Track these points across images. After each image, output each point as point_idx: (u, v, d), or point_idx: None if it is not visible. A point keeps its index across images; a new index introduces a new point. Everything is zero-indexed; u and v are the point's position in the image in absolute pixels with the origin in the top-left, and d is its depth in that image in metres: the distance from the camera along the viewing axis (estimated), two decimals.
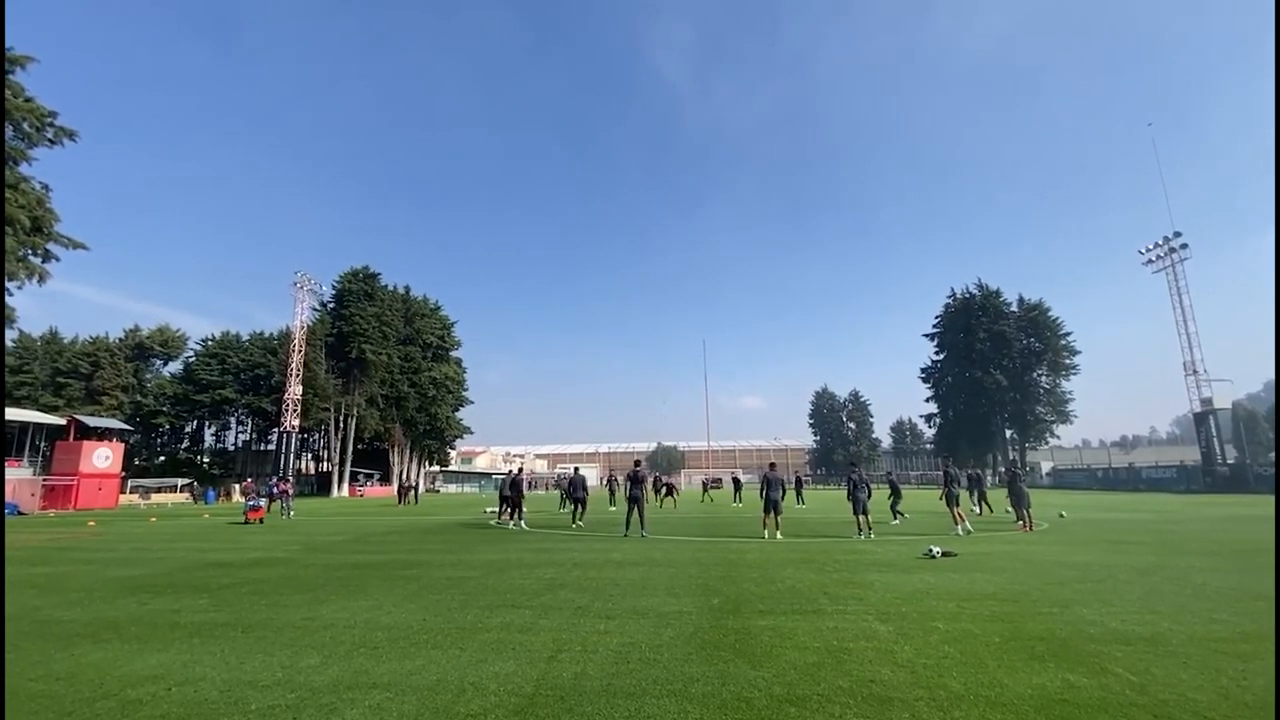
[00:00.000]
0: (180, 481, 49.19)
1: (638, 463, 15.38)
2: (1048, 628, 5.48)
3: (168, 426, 60.95)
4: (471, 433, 76.31)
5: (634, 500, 14.19)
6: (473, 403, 75.13)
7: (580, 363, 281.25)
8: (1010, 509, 16.25)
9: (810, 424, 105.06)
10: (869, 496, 14.05)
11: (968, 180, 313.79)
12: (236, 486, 43.95)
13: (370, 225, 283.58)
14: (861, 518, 13.68)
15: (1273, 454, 72.94)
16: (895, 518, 16.72)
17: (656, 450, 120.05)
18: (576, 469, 17.94)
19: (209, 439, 65.97)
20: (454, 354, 73.12)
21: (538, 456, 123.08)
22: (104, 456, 35.59)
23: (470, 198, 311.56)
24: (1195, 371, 47.74)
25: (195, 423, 62.84)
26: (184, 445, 64.22)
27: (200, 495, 45.36)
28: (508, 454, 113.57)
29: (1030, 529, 14.50)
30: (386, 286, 65.53)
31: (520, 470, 18.86)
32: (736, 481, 34.07)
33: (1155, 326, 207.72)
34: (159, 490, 45.66)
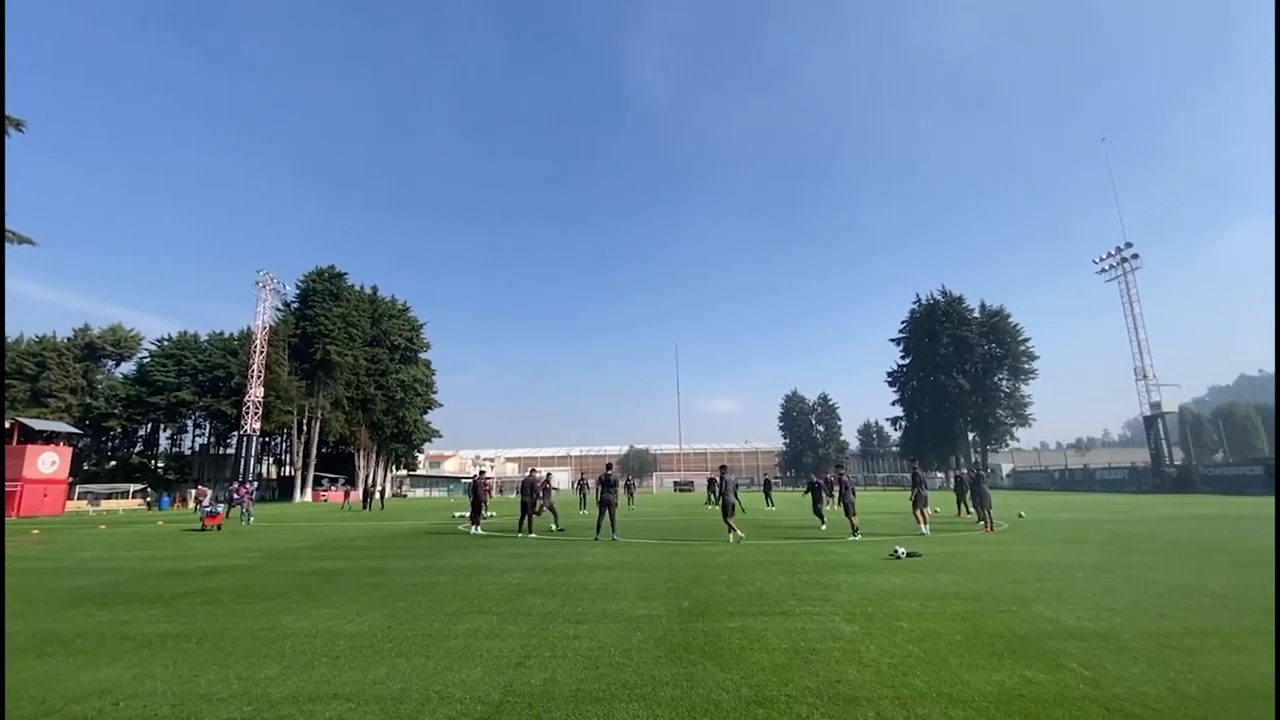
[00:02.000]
0: (133, 487, 47.36)
1: (609, 466, 15.21)
2: (1007, 625, 5.63)
3: (119, 430, 58.71)
4: (440, 436, 75.16)
5: (605, 504, 14.11)
6: (442, 406, 74.13)
7: (554, 367, 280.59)
8: (972, 510, 16.66)
9: (780, 427, 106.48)
10: (854, 496, 14.41)
11: (934, 190, 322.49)
12: (192, 492, 42.50)
13: (340, 228, 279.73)
14: (853, 519, 14.06)
15: (1217, 455, 76.43)
16: (822, 522, 16.00)
17: (629, 453, 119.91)
18: (532, 470, 17.15)
19: (164, 443, 63.68)
20: (423, 356, 71.97)
21: (509, 460, 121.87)
22: (50, 461, 34.03)
23: (444, 203, 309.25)
24: (1145, 376, 49.72)
25: (149, 426, 60.59)
26: (137, 449, 61.88)
27: (154, 501, 43.75)
28: (477, 457, 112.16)
29: (991, 529, 14.88)
30: (353, 286, 64.23)
31: (482, 473, 18.49)
32: (711, 483, 34.22)
33: (1109, 332, 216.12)
34: (109, 496, 43.94)
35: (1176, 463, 48.55)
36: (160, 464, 61.10)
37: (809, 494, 16.71)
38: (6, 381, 53.86)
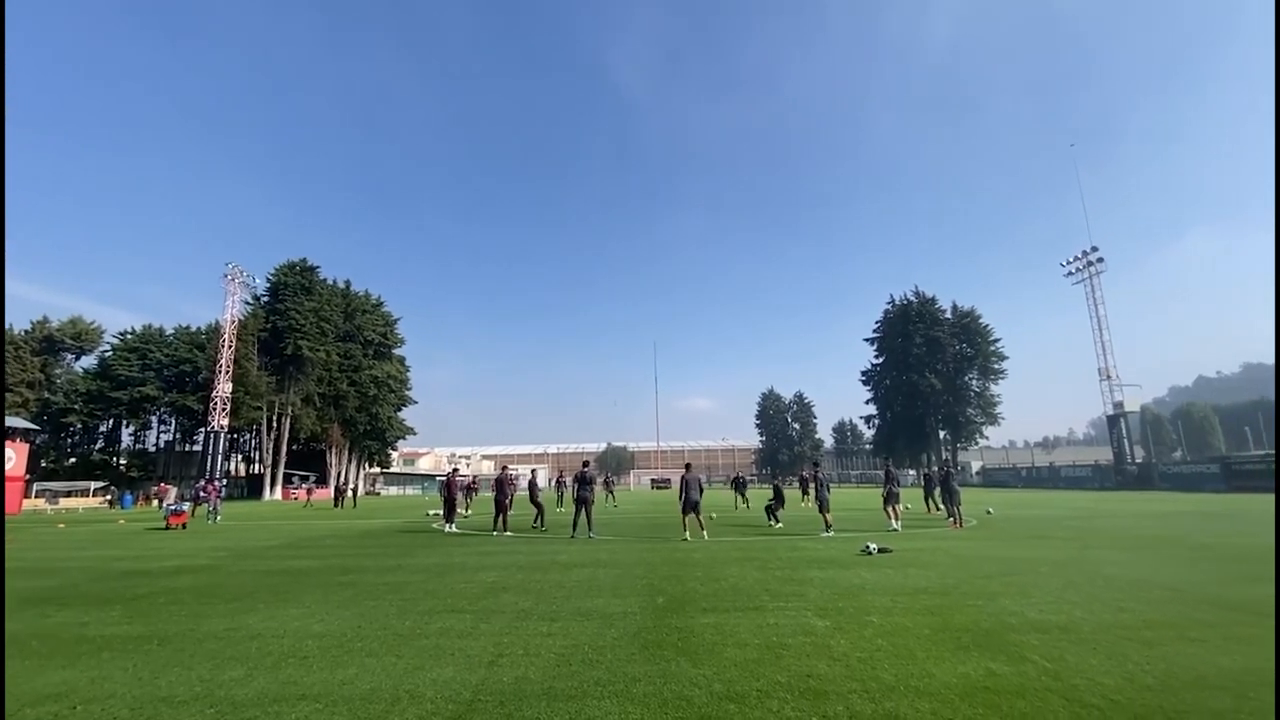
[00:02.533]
0: (94, 485, 45.92)
1: (586, 463, 15.19)
2: (973, 619, 5.75)
3: (80, 426, 56.79)
4: (415, 433, 74.27)
5: (582, 501, 14.07)
6: (416, 402, 73.27)
7: (532, 364, 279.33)
8: (941, 506, 16.99)
9: (757, 425, 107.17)
10: (829, 494, 14.61)
11: (911, 194, 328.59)
12: (155, 489, 41.38)
13: (313, 223, 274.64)
14: (827, 515, 14.26)
15: (1176, 453, 79.07)
16: (772, 520, 16.07)
17: (606, 450, 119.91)
18: (504, 468, 17.21)
19: (127, 439, 61.80)
20: (397, 352, 70.95)
21: (484, 457, 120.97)
22: (5, 458, 32.80)
23: (422, 200, 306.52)
24: (1109, 377, 51.17)
25: (111, 422, 58.71)
26: (98, 446, 59.92)
27: (116, 500, 42.48)
28: (452, 455, 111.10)
29: (960, 526, 15.19)
30: (325, 280, 63.02)
31: (455, 471, 18.45)
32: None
33: (1075, 334, 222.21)
34: (69, 494, 42.55)
35: (1137, 461, 50.08)
36: (123, 461, 59.31)
37: (774, 496, 17.12)
38: None
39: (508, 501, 15.57)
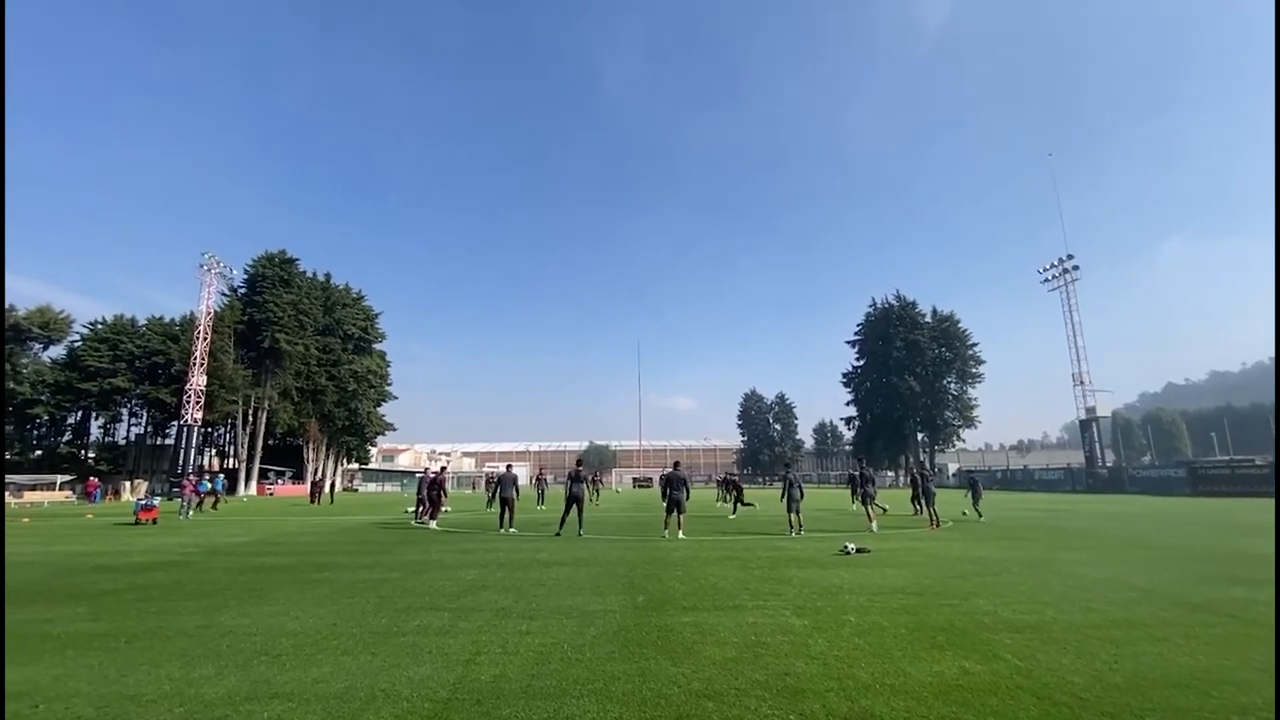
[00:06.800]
0: (60, 479, 44.75)
1: (579, 462, 15.09)
2: (948, 619, 5.84)
3: (46, 418, 55.24)
4: (394, 429, 73.40)
5: (574, 499, 14.01)
6: (396, 398, 72.39)
7: (514, 360, 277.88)
8: (918, 507, 17.22)
9: (739, 425, 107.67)
10: (802, 496, 14.42)
11: (894, 199, 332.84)
12: (127, 484, 40.44)
13: (295, 214, 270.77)
14: (794, 516, 14.16)
15: (1145, 457, 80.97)
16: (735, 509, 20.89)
17: (589, 449, 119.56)
18: (426, 469, 17.28)
19: (95, 432, 60.26)
20: (378, 347, 70.05)
21: (465, 455, 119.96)
22: None
23: (411, 197, 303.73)
24: (1082, 382, 52.20)
25: (80, 414, 57.23)
26: (65, 439, 58.36)
27: (84, 494, 41.47)
28: (433, 452, 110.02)
29: (937, 526, 15.41)
30: (305, 273, 62.00)
31: (429, 470, 18.45)
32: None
33: (1051, 340, 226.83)
34: (34, 488, 41.42)
35: (1108, 464, 51.14)
36: (90, 454, 57.81)
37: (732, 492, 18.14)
38: None
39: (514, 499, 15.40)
